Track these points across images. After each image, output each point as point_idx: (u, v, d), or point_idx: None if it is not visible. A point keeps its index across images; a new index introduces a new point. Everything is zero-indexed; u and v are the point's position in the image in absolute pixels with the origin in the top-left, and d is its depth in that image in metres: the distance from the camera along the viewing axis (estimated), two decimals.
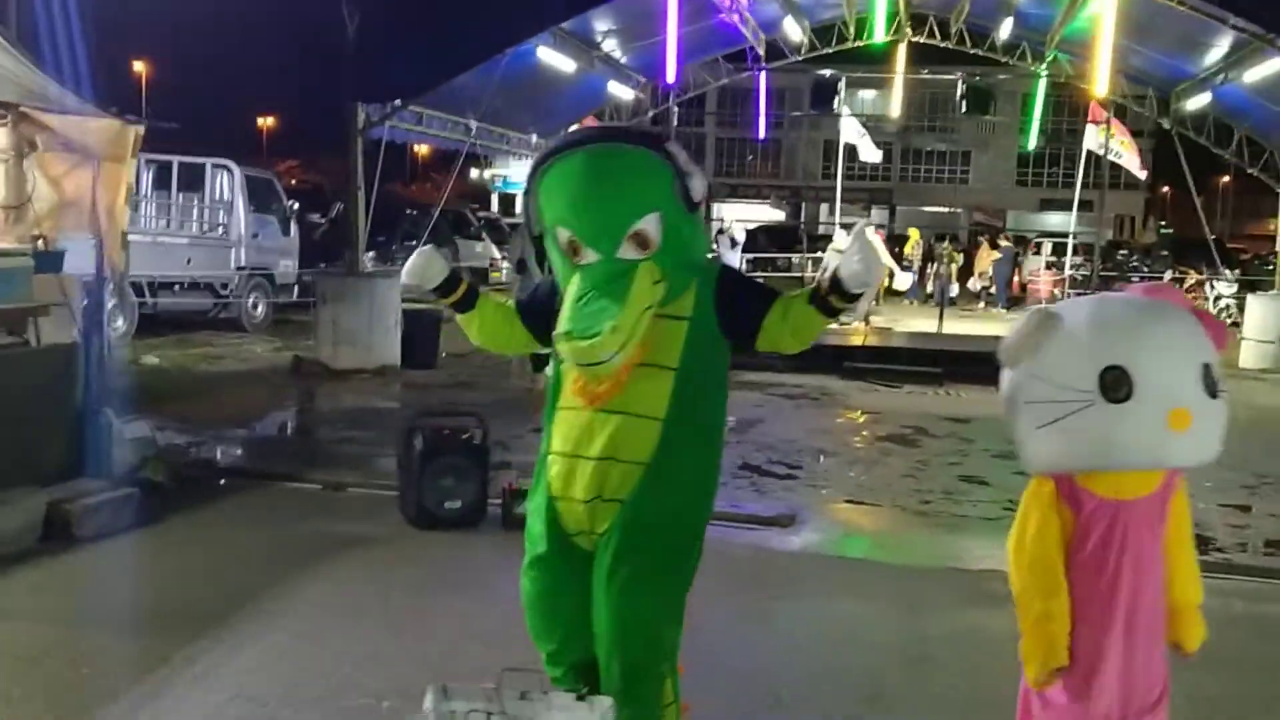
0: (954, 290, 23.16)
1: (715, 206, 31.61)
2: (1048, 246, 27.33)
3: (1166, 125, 17.49)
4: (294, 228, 17.31)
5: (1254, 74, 13.50)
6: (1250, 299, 15.99)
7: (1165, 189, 53.35)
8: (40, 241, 6.47)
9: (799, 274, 26.11)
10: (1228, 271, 22.48)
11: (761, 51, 19.32)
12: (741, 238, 24.88)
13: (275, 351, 13.67)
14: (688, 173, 2.92)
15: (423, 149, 39.49)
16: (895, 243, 26.19)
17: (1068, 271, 22.36)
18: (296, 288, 16.85)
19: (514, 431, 8.51)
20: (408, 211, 24.40)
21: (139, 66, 48.89)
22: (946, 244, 25.11)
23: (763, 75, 20.82)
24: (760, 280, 3.52)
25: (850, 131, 22.34)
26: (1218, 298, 20.60)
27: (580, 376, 2.93)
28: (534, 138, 17.86)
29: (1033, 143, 25.87)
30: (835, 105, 20.66)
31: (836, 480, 7.83)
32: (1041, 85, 20.85)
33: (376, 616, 4.63)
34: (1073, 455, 2.51)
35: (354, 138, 12.17)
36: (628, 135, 3.15)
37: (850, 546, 6.31)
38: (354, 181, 12.26)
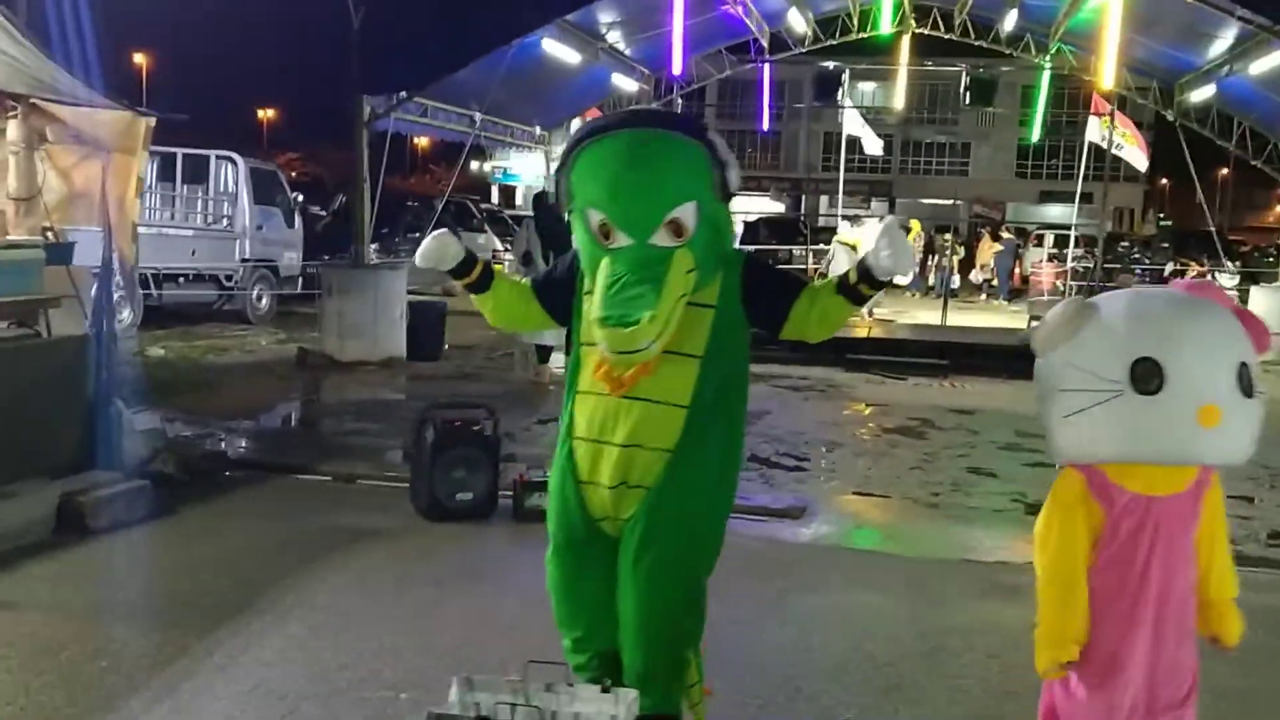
0: (955, 282, 23.17)
1: None
2: (1049, 238, 27.34)
3: (1170, 117, 17.48)
4: (298, 220, 17.31)
5: (1260, 66, 13.47)
6: (1254, 290, 16.02)
7: (1164, 181, 53.37)
8: (50, 233, 6.46)
9: (801, 266, 26.08)
10: (1229, 263, 22.49)
11: (765, 43, 19.31)
12: (739, 229, 24.86)
13: (280, 343, 13.68)
14: (725, 162, 2.93)
15: (422, 141, 39.49)
16: None
17: (1070, 264, 22.36)
18: (300, 280, 16.86)
19: (521, 423, 8.53)
20: (409, 203, 24.40)
21: (139, 58, 48.81)
22: (948, 236, 25.12)
23: (766, 67, 20.79)
24: (784, 269, 3.54)
25: (854, 123, 22.31)
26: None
27: (604, 362, 2.93)
28: (538, 130, 17.88)
29: (1036, 135, 25.86)
30: (839, 97, 20.66)
31: (845, 472, 7.83)
32: (1045, 77, 20.82)
33: (392, 608, 4.64)
34: (1100, 445, 2.50)
35: (359, 130, 12.15)
36: (670, 121, 3.11)
37: (861, 538, 6.31)
38: (359, 174, 12.23)
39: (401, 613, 4.59)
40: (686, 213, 2.89)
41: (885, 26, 18.56)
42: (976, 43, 18.96)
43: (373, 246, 15.25)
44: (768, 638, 4.47)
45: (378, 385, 10.74)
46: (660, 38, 16.30)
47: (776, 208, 47.29)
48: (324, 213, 20.72)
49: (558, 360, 10.84)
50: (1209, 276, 21.19)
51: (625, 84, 18.43)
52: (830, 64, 21.13)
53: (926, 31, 19.13)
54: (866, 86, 43.75)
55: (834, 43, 19.40)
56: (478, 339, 13.67)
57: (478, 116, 14.70)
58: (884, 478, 7.62)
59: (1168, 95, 17.51)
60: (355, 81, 12.10)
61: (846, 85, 20.96)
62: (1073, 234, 21.07)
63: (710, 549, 3.10)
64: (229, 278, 15.69)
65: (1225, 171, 44.50)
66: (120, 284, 6.88)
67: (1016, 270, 25.62)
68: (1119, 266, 22.34)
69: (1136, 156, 20.51)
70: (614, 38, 16.53)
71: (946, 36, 19.02)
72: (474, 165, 40.61)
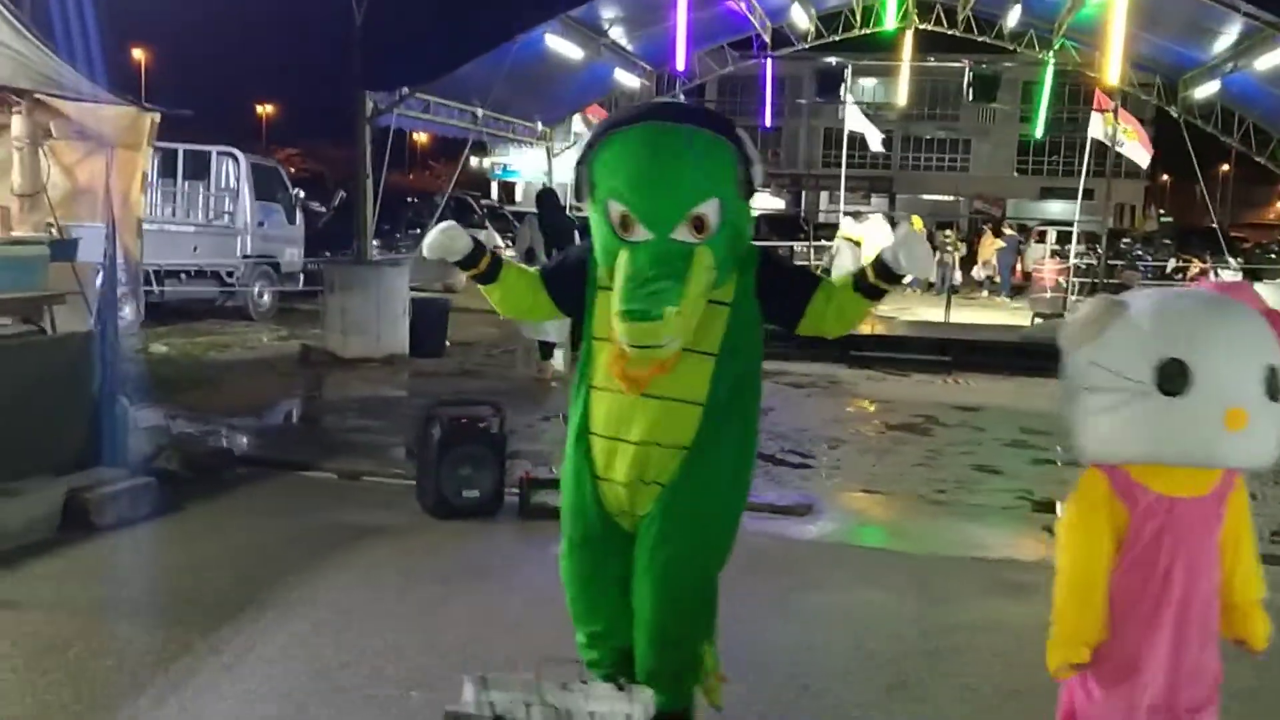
0: (957, 278, 23.14)
1: None
2: (1052, 235, 27.30)
3: (1174, 113, 17.46)
4: (299, 216, 17.28)
5: (1265, 62, 13.44)
6: (1258, 287, 15.93)
7: (1164, 177, 53.33)
8: (54, 229, 6.44)
9: (802, 262, 26.06)
10: (1232, 260, 22.46)
11: (768, 39, 19.27)
12: None
13: (282, 340, 13.66)
14: (751, 160, 2.90)
15: (421, 137, 39.48)
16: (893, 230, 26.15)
17: (1072, 260, 22.35)
18: (302, 276, 16.84)
19: (524, 420, 8.50)
20: (409, 200, 24.40)
21: (138, 54, 48.74)
22: (949, 232, 25.10)
23: (769, 63, 20.76)
24: (801, 264, 3.54)
25: (857, 120, 22.29)
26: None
27: (620, 360, 2.91)
28: (539, 126, 17.85)
29: (1040, 131, 25.81)
30: (842, 93, 20.61)
31: (850, 469, 7.82)
32: (1049, 73, 20.79)
33: (398, 606, 4.62)
34: (1123, 445, 2.48)
35: (362, 126, 12.12)
36: (698, 116, 3.08)
37: (868, 536, 6.30)
38: (362, 170, 12.20)
39: (407, 610, 4.58)
40: (710, 209, 2.86)
41: (890, 22, 18.52)
42: (979, 38, 18.93)
43: (374, 243, 15.27)
44: (774, 635, 4.45)
45: (380, 382, 10.73)
46: (662, 33, 16.28)
47: (777, 204, 47.26)
48: (324, 209, 20.67)
49: (559, 357, 10.84)
50: (1211, 273, 21.18)
51: (627, 80, 18.40)
52: (833, 60, 21.07)
53: (929, 27, 19.09)
54: (868, 82, 43.69)
55: (836, 39, 19.37)
56: (479, 336, 13.66)
57: (480, 112, 14.67)
58: (889, 475, 7.61)
59: (1171, 91, 17.48)
60: (358, 77, 12.07)
61: (849, 81, 20.88)
62: (1075, 230, 21.04)
63: (724, 547, 3.11)
64: (230, 274, 15.66)
65: (1225, 168, 44.48)
66: (123, 280, 6.84)
67: (1018, 267, 25.60)
68: (1123, 263, 22.30)
69: (1139, 153, 20.47)
70: (616, 33, 16.49)
71: (949, 32, 18.99)
72: (473, 161, 40.57)
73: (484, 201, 29.29)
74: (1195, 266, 22.93)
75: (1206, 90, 16.26)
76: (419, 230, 19.07)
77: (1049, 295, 20.05)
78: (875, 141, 24.05)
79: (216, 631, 4.18)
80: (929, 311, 18.25)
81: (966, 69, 19.90)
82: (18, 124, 6.32)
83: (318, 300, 13.87)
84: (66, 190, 6.45)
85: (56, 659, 3.90)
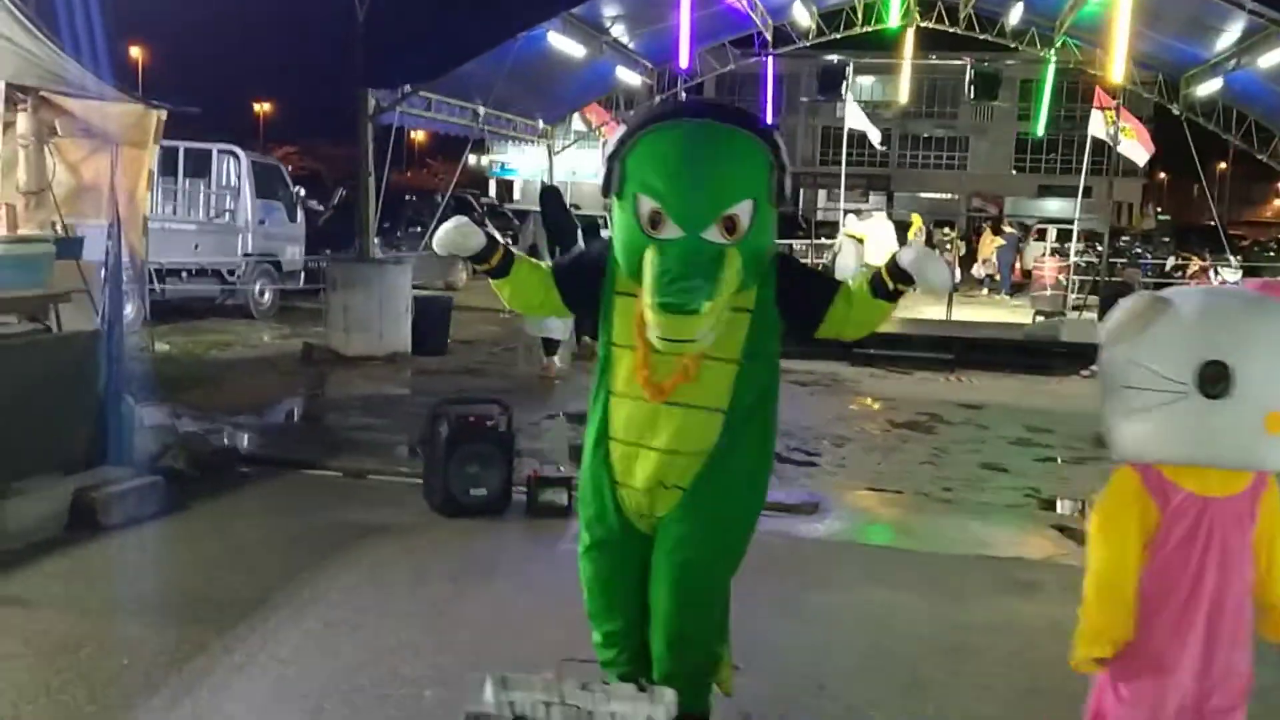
0: (956, 276, 23.13)
1: None
2: (1052, 233, 27.29)
3: (1176, 111, 17.44)
4: (300, 214, 17.24)
5: (1269, 59, 13.41)
6: None
7: (1162, 175, 53.37)
8: (60, 227, 6.41)
9: (802, 260, 26.03)
10: (1232, 258, 22.46)
11: (769, 36, 19.24)
12: None
13: (284, 338, 13.63)
14: (785, 168, 2.88)
15: (419, 135, 39.39)
16: (898, 229, 26.14)
17: (1073, 258, 22.36)
18: (303, 274, 16.79)
19: (529, 418, 8.48)
20: (407, 198, 24.32)
21: (135, 51, 48.59)
22: (949, 230, 25.10)
23: (770, 61, 20.73)
24: (818, 268, 3.53)
25: (857, 117, 22.28)
26: (1222, 284, 20.58)
27: (644, 366, 2.89)
28: (540, 124, 17.82)
29: (1041, 129, 25.80)
30: (843, 91, 20.57)
31: (856, 467, 7.81)
32: (1050, 71, 20.78)
33: (408, 604, 4.61)
34: (1161, 446, 2.46)
35: (364, 124, 12.08)
36: (738, 116, 3.04)
37: (876, 534, 6.30)
38: (364, 168, 12.16)
39: (418, 608, 4.56)
40: (744, 210, 2.83)
41: (894, 20, 18.50)
42: (981, 36, 18.91)
43: (375, 241, 15.24)
44: (788, 635, 4.43)
45: (383, 380, 10.70)
46: (664, 31, 16.26)
47: None
48: (322, 208, 20.62)
49: (562, 354, 10.83)
50: (1211, 271, 21.18)
51: (629, 78, 18.36)
52: (834, 58, 21.05)
53: (931, 25, 19.07)
54: (865, 80, 43.63)
55: (838, 36, 19.35)
56: (481, 333, 13.64)
57: (481, 110, 14.64)
58: (895, 473, 7.60)
59: (1173, 89, 17.46)
60: (360, 75, 12.02)
61: (850, 79, 20.86)
62: (1075, 228, 21.03)
63: (741, 550, 3.13)
64: (231, 272, 15.61)
65: (1223, 166, 44.52)
66: (128, 278, 6.82)
67: (1018, 265, 25.60)
68: (1125, 261, 22.29)
69: (1136, 151, 20.43)
70: (618, 31, 16.46)
71: (951, 30, 18.97)
72: (471, 159, 40.53)
73: (484, 199, 29.25)
74: (1195, 264, 22.91)
75: (1209, 88, 16.24)
76: (419, 228, 19.01)
77: (1049, 293, 20.03)
78: (876, 139, 24.02)
79: (230, 631, 4.17)
80: (930, 309, 18.24)
81: (968, 67, 19.88)
82: (23, 121, 6.29)
83: (318, 298, 13.85)
84: (71, 188, 6.41)
85: (69, 659, 3.89)
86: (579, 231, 10.85)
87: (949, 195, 50.18)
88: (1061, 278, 21.98)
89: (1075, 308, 17.00)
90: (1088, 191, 19.52)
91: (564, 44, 14.65)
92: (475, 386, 9.92)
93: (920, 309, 18.62)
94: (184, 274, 14.98)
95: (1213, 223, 24.38)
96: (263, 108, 58.83)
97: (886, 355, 12.96)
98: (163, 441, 6.45)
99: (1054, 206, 43.89)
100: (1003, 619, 4.73)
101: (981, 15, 18.61)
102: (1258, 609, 2.55)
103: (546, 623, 4.29)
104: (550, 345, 10.77)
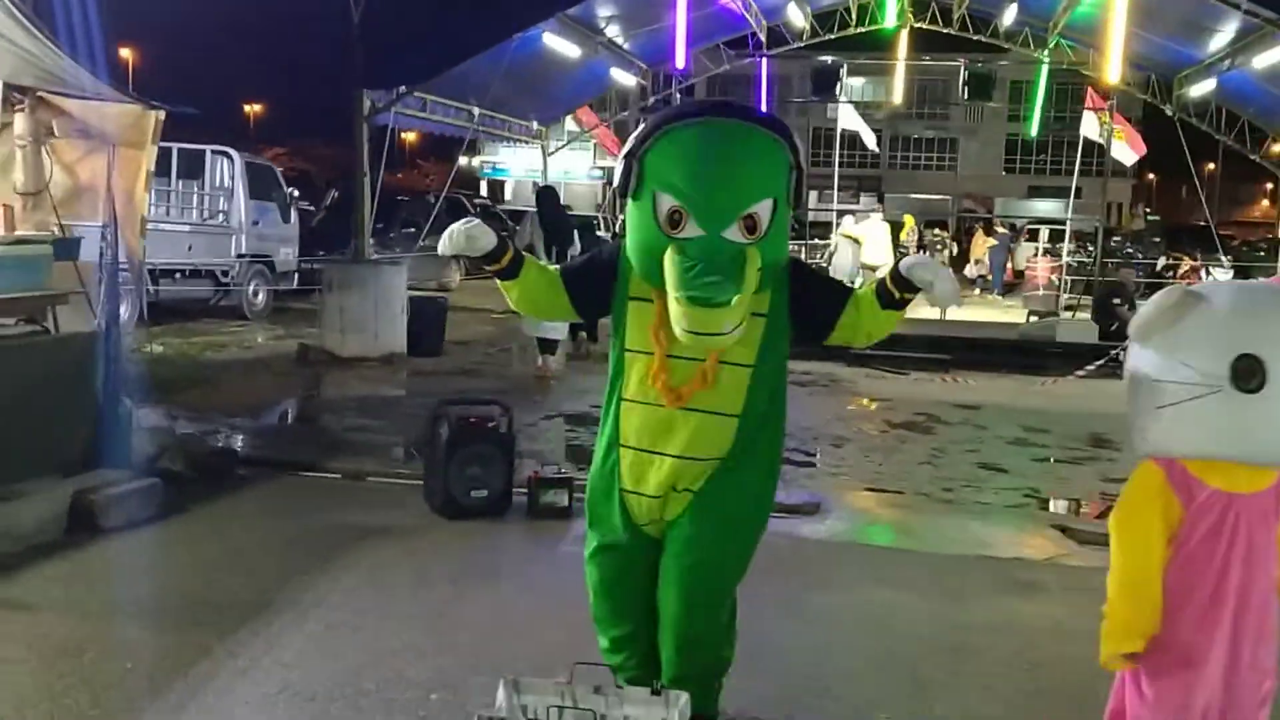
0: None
1: None
2: (1044, 233, 27.34)
3: (1169, 111, 17.49)
4: (294, 215, 17.21)
5: (1263, 60, 13.45)
6: None
7: (1151, 176, 53.55)
8: (57, 228, 6.37)
9: None
10: (1224, 258, 22.52)
11: (763, 37, 19.26)
12: None
13: (278, 339, 13.59)
14: (802, 170, 2.88)
15: (410, 136, 39.29)
16: (890, 230, 26.20)
17: (1065, 258, 22.42)
18: (296, 275, 16.75)
19: (526, 418, 8.45)
20: (400, 198, 24.26)
21: (125, 52, 48.42)
22: (940, 230, 25.15)
23: (764, 62, 20.75)
24: (829, 274, 3.53)
25: (852, 119, 22.33)
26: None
27: (662, 372, 2.88)
28: (534, 124, 17.81)
29: (1035, 130, 25.86)
30: (838, 91, 20.60)
31: (855, 467, 7.81)
32: (1044, 72, 20.84)
33: (411, 606, 4.59)
34: (1190, 441, 2.44)
35: (359, 125, 12.06)
36: (758, 116, 3.02)
37: (877, 534, 6.29)
38: (359, 168, 12.14)
39: (420, 611, 4.54)
40: (764, 209, 2.83)
41: (890, 20, 18.54)
42: (974, 37, 18.95)
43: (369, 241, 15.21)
44: (791, 636, 4.43)
45: (379, 381, 10.68)
46: (659, 32, 16.28)
47: None
48: (313, 209, 20.57)
49: (559, 354, 10.81)
50: (1203, 271, 21.24)
51: (623, 78, 18.38)
52: (828, 58, 21.07)
53: (925, 26, 19.12)
54: (856, 81, 43.66)
55: (832, 37, 19.38)
56: (476, 334, 13.62)
57: (476, 111, 14.63)
58: (894, 473, 7.61)
59: (1166, 89, 17.51)
60: (355, 76, 12.00)
61: (844, 80, 20.89)
62: (1068, 228, 21.10)
63: (749, 553, 3.13)
64: (225, 273, 15.57)
65: (1212, 166, 44.66)
66: (126, 279, 6.79)
67: (1009, 265, 25.67)
68: (1118, 260, 22.34)
69: (1125, 153, 20.49)
70: (613, 32, 16.48)
71: (945, 31, 19.01)
72: (462, 160, 40.46)
73: (477, 200, 29.19)
74: (1186, 264, 22.98)
75: (1202, 88, 16.30)
76: (413, 229, 18.98)
77: (1041, 293, 20.08)
78: (870, 140, 24.04)
79: (232, 635, 4.14)
80: (925, 309, 18.25)
81: (962, 68, 19.93)
82: (21, 122, 6.25)
83: (312, 299, 13.81)
84: (69, 189, 6.37)
85: (71, 663, 3.86)
86: (575, 232, 10.85)
87: (940, 196, 50.24)
88: (1054, 278, 22.04)
89: (1068, 308, 17.04)
90: (1078, 192, 19.59)
91: (559, 44, 14.65)
92: (472, 387, 9.90)
93: (915, 309, 18.66)
94: (177, 275, 14.93)
95: (1203, 223, 24.41)
96: (253, 108, 58.70)
97: (882, 355, 12.96)
98: (160, 443, 6.41)
99: (1043, 207, 44.01)
100: (1003, 619, 4.73)
101: (975, 16, 18.67)
102: None
103: (548, 625, 4.28)
104: (547, 345, 10.76)
